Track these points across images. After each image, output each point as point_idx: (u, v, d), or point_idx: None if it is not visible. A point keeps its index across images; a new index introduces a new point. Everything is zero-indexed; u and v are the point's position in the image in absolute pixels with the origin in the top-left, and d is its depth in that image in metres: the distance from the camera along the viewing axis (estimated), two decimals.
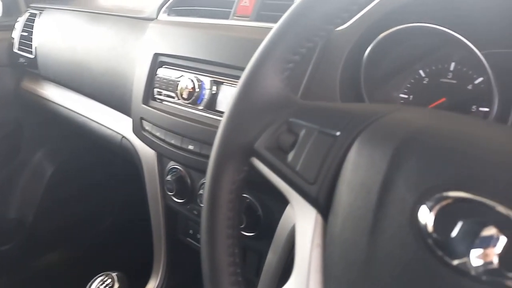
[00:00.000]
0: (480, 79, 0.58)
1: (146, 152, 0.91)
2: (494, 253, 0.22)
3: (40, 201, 1.43)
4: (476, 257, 0.22)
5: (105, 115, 1.03)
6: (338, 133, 0.31)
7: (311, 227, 0.30)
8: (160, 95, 0.80)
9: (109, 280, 0.83)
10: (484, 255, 0.22)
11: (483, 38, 0.58)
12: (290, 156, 0.32)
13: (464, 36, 0.55)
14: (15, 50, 1.32)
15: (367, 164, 0.28)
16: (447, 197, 0.24)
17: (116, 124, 1.00)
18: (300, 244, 0.31)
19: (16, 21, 1.33)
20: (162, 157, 0.89)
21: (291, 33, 0.34)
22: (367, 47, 0.59)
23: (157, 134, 0.78)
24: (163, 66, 0.81)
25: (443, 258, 0.23)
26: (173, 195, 0.85)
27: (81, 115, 1.12)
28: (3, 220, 1.41)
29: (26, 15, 1.31)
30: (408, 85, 0.66)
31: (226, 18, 0.75)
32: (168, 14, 0.87)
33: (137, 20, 0.93)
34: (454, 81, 0.62)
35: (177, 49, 0.77)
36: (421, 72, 0.65)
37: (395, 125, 0.29)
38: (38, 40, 1.22)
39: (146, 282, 1.01)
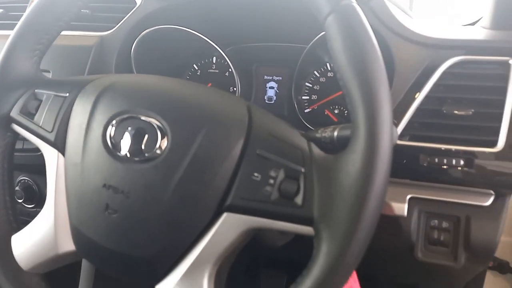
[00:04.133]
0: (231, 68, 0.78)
1: None
2: (142, 144, 0.38)
3: None
4: (132, 148, 0.38)
5: None
6: (66, 94, 0.43)
7: (55, 164, 0.42)
8: None
9: None
10: (136, 146, 0.38)
11: (228, 37, 0.77)
12: (36, 116, 0.44)
13: (212, 36, 0.72)
14: None
15: (80, 110, 0.41)
16: (123, 118, 0.39)
17: None
18: (49, 178, 0.42)
19: None
20: None
21: (30, 31, 0.45)
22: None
23: None
24: None
25: (116, 153, 0.38)
26: None
27: None
28: None
29: None
30: (187, 77, 0.82)
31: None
32: None
33: None
34: (217, 71, 0.80)
35: None
36: (195, 66, 0.81)
37: (99, 83, 0.43)
38: None
39: None
